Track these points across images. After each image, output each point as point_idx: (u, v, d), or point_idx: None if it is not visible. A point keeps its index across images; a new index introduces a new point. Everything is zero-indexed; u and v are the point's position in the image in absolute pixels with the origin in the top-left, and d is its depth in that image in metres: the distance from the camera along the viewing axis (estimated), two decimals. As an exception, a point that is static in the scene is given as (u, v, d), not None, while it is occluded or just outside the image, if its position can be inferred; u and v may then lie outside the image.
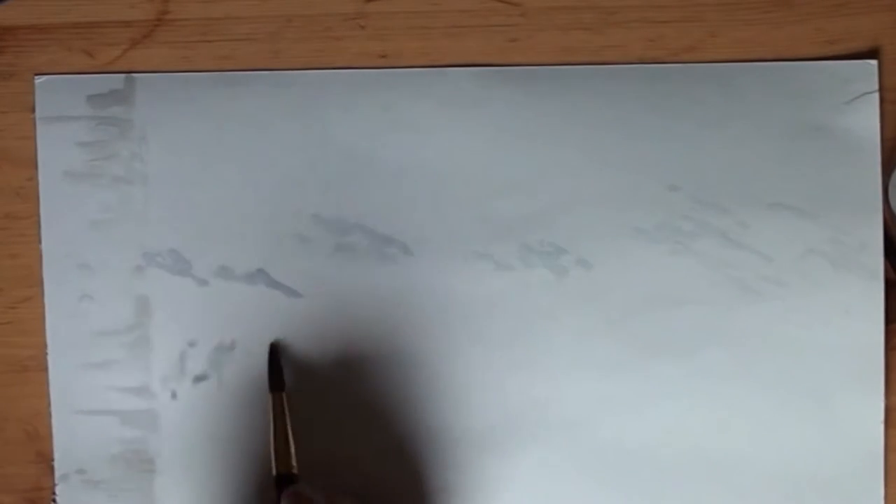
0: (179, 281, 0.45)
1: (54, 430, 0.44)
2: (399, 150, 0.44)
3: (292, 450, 0.42)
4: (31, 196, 0.45)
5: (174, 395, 0.45)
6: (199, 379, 0.45)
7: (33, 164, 0.44)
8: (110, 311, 0.45)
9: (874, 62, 0.44)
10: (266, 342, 0.44)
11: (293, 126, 0.44)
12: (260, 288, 0.44)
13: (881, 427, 0.44)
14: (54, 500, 0.45)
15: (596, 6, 0.44)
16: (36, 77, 0.44)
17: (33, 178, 0.45)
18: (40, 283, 0.45)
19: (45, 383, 0.44)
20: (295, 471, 0.42)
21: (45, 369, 0.44)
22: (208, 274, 0.45)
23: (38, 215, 0.45)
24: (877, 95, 0.44)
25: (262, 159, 0.45)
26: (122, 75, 0.45)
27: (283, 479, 0.41)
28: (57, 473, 0.45)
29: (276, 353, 0.44)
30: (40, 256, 0.45)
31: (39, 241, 0.45)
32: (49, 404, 0.44)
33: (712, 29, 0.44)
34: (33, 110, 0.44)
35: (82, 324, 0.44)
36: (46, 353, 0.44)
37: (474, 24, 0.45)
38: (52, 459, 0.44)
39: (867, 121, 0.44)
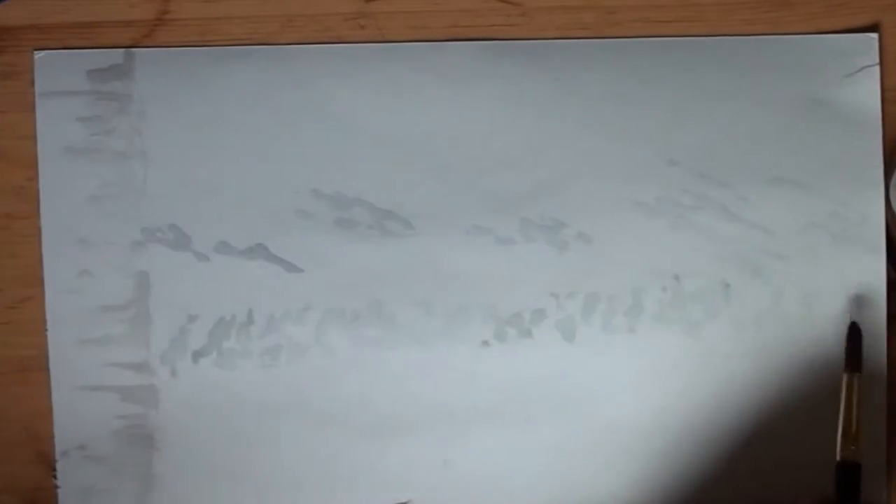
0: (179, 256, 0.45)
1: (54, 406, 0.44)
2: (398, 125, 0.44)
3: (860, 437, 0.40)
4: (31, 196, 0.45)
5: (174, 371, 0.44)
6: (199, 354, 0.45)
7: (33, 164, 0.44)
8: (109, 287, 0.44)
9: (874, 35, 0.44)
10: (264, 318, 0.44)
11: (292, 100, 0.44)
12: (260, 263, 0.44)
13: (884, 403, 0.44)
14: (55, 476, 0.44)
15: (596, 6, 0.44)
16: (35, 52, 0.44)
17: (33, 179, 0.45)
18: (40, 284, 0.44)
19: (46, 383, 0.44)
20: (859, 459, 0.40)
21: (46, 369, 0.44)
22: (208, 249, 0.44)
23: (38, 216, 0.45)
24: (877, 69, 0.44)
25: (261, 134, 0.44)
26: (122, 50, 0.45)
27: (846, 467, 0.40)
28: (57, 450, 0.44)
29: (858, 333, 0.43)
30: (40, 257, 0.45)
31: (40, 241, 0.44)
32: (50, 403, 0.44)
33: (712, 29, 0.44)
34: (33, 85, 0.44)
35: (81, 299, 0.44)
36: (47, 353, 0.44)
37: (474, 24, 0.45)
38: (54, 460, 0.45)
39: (868, 94, 0.44)
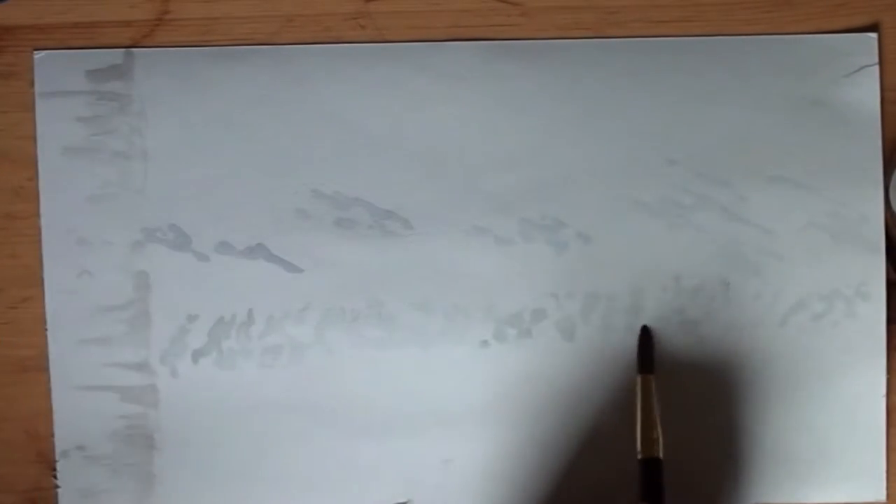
0: (179, 256, 0.45)
1: (54, 406, 0.44)
2: (398, 125, 0.44)
3: (659, 434, 0.41)
4: (31, 196, 0.45)
5: (174, 371, 0.44)
6: (199, 354, 0.45)
7: (33, 164, 0.44)
8: (109, 287, 0.45)
9: (874, 35, 0.44)
10: (264, 318, 0.44)
11: (292, 100, 0.44)
12: (260, 263, 0.44)
13: (883, 401, 0.44)
14: (55, 476, 0.45)
15: (596, 6, 0.44)
16: (35, 52, 0.44)
17: (33, 179, 0.45)
18: (40, 284, 0.45)
19: (46, 383, 0.44)
20: (660, 455, 0.41)
21: (46, 369, 0.44)
22: (208, 249, 0.45)
23: (38, 216, 0.45)
24: (876, 69, 0.44)
25: (261, 134, 0.44)
26: (122, 50, 0.45)
27: (648, 464, 0.41)
28: (57, 450, 0.44)
29: (648, 336, 0.43)
30: (40, 257, 0.45)
31: (40, 241, 0.45)
32: (50, 403, 0.44)
33: (713, 29, 0.44)
34: (32, 85, 0.44)
35: (81, 299, 0.44)
36: (47, 353, 0.44)
37: (474, 24, 0.45)
38: (54, 460, 0.45)
39: (867, 94, 0.44)
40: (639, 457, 0.41)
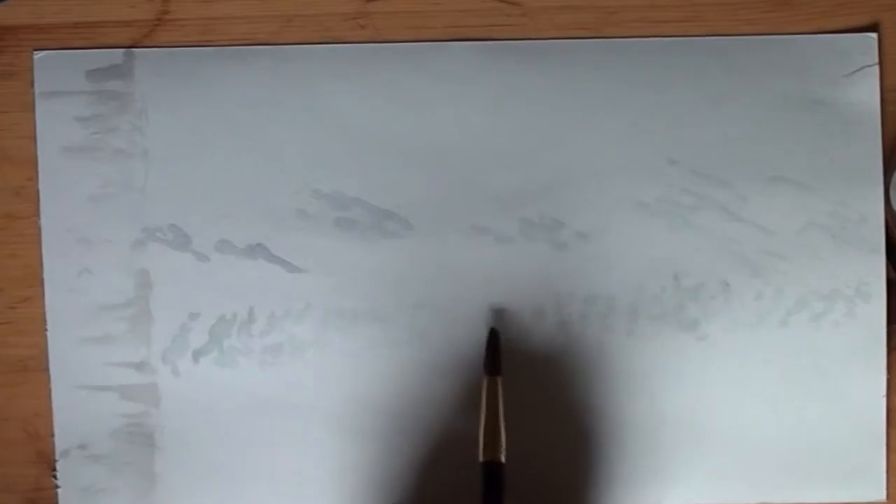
0: (179, 255, 0.45)
1: (54, 405, 0.44)
2: (398, 125, 0.44)
3: (502, 438, 0.40)
4: (31, 196, 0.45)
5: (175, 370, 0.45)
6: (200, 353, 0.45)
7: (33, 164, 0.44)
8: (110, 286, 0.45)
9: (874, 35, 0.44)
10: (265, 316, 0.44)
11: (293, 100, 0.45)
12: (260, 263, 0.45)
13: (883, 400, 0.44)
14: (55, 476, 0.45)
15: (596, 6, 0.45)
16: (35, 52, 0.44)
17: (33, 179, 0.45)
18: (40, 284, 0.45)
19: (46, 383, 0.44)
20: (503, 460, 0.40)
21: (46, 369, 0.44)
22: (208, 248, 0.45)
23: (38, 216, 0.45)
24: (876, 69, 0.44)
25: (262, 133, 0.45)
26: (122, 50, 0.45)
27: (490, 467, 0.40)
28: (57, 449, 0.45)
29: (495, 338, 0.43)
30: (40, 257, 0.45)
31: (40, 241, 0.45)
32: (50, 402, 0.45)
33: (712, 29, 0.44)
34: (32, 85, 0.44)
35: (82, 298, 0.44)
36: (47, 353, 0.44)
37: (474, 24, 0.45)
38: (54, 460, 0.45)
39: (867, 94, 0.44)
40: (480, 460, 0.40)
